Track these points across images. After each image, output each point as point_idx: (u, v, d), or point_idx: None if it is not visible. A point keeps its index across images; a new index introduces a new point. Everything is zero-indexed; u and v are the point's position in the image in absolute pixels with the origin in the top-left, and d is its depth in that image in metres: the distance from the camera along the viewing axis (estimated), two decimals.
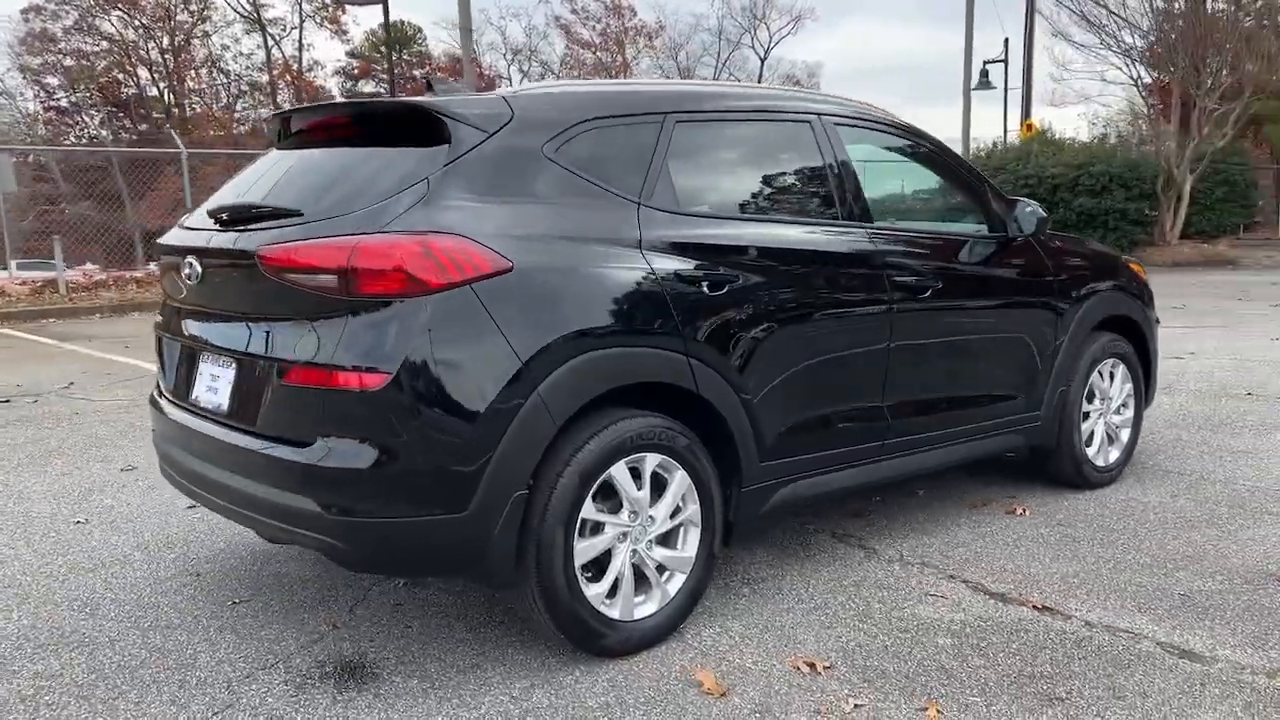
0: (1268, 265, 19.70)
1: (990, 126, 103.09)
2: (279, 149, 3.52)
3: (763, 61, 47.78)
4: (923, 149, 4.35)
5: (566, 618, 2.99)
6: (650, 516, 3.16)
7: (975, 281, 4.24)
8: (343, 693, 2.94)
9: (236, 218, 3.13)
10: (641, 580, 3.18)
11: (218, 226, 3.19)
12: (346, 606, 3.56)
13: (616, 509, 3.10)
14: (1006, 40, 37.67)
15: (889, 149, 4.27)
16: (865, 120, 4.09)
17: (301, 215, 2.96)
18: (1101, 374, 4.86)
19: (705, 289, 3.24)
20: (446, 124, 2.98)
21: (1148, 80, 24.11)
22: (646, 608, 3.17)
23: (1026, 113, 25.81)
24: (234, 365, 3.10)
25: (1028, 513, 4.53)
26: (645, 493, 3.14)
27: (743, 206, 3.66)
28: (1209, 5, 25.84)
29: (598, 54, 48.08)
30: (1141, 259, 18.82)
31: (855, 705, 2.81)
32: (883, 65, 56.95)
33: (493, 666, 3.09)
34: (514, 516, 2.85)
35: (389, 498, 2.76)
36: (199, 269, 3.16)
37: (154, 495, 4.94)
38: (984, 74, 30.87)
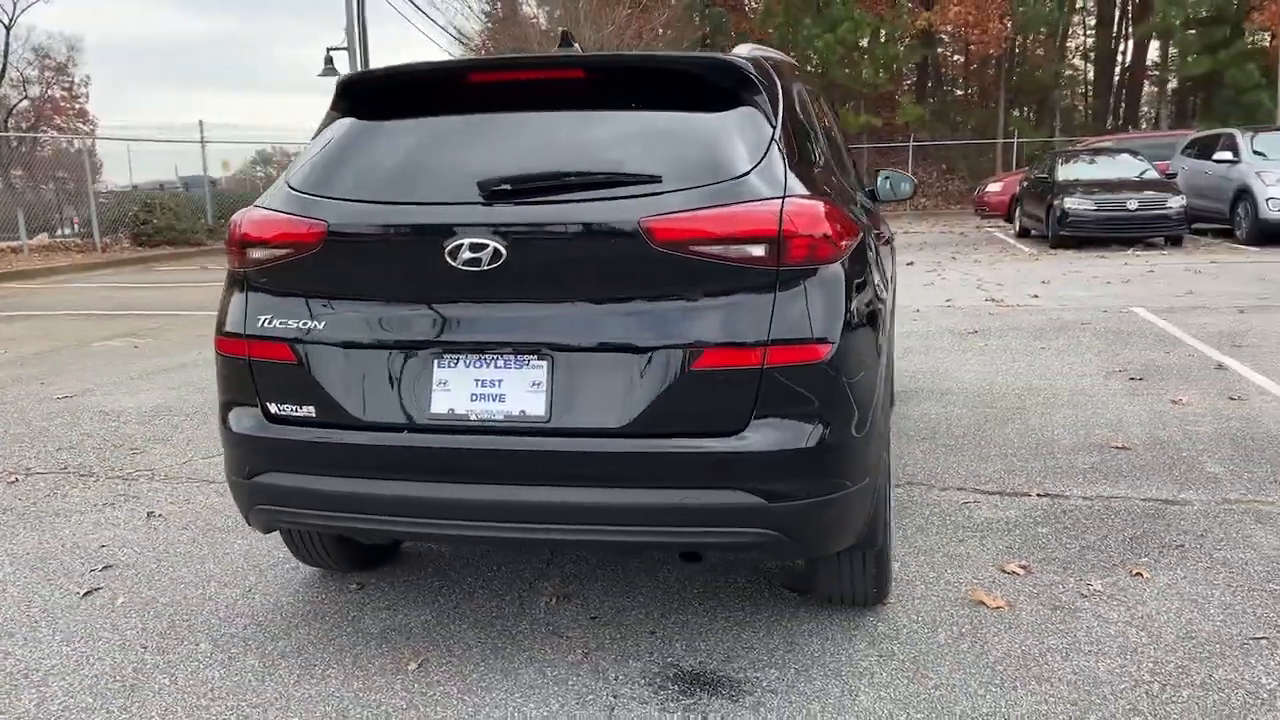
0: None
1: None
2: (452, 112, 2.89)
3: (8, 29, 40.90)
4: (826, 117, 4.87)
5: (885, 572, 3.06)
6: None
7: (887, 239, 4.92)
8: (734, 700, 2.69)
9: (534, 188, 2.60)
10: None
11: (483, 198, 2.60)
12: (543, 628, 3.11)
13: None
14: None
15: None
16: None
17: (660, 180, 2.58)
18: None
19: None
20: (756, 84, 2.81)
21: None
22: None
23: None
24: (544, 361, 2.58)
25: None
26: None
27: (840, 170, 3.88)
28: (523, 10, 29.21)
29: None
30: None
31: (1097, 584, 3.36)
32: (151, 46, 52.69)
33: (804, 640, 3.03)
34: (885, 478, 2.87)
35: (823, 475, 2.61)
36: (498, 248, 2.54)
37: (44, 587, 3.53)
38: (328, 60, 31.06)
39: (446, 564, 3.64)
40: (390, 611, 3.28)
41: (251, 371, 2.81)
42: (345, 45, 33.64)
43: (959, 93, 37.77)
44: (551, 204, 2.59)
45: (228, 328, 2.86)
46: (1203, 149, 17.82)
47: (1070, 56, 36.62)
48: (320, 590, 3.47)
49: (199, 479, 4.78)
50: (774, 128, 2.76)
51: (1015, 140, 31.20)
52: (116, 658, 3.01)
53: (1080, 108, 37.15)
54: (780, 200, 2.55)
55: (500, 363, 2.62)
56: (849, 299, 2.65)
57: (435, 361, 2.65)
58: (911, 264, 14.57)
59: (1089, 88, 37.50)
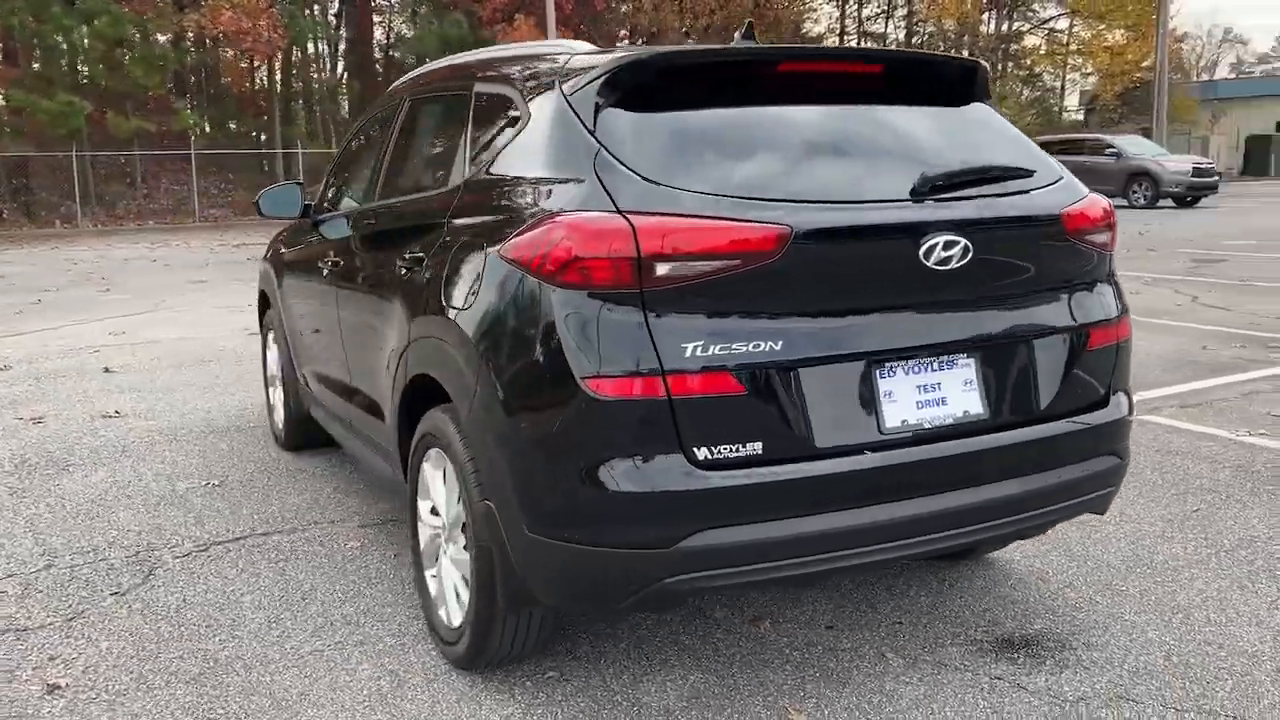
0: None
1: None
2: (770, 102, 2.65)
3: None
4: None
5: None
6: None
7: None
8: (1069, 649, 2.97)
9: (957, 183, 2.56)
10: None
11: (912, 198, 2.51)
12: (814, 650, 2.98)
13: None
14: None
15: None
16: None
17: (1032, 175, 2.72)
18: None
19: None
20: (987, 85, 3.04)
21: None
22: None
23: None
24: (971, 359, 2.58)
25: None
26: None
27: None
28: None
29: None
30: None
31: None
32: None
33: (1005, 592, 3.37)
34: None
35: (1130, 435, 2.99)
36: (968, 245, 2.45)
37: None
38: None
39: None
40: (633, 687, 2.80)
41: (673, 412, 2.26)
42: None
43: (239, 100, 36.47)
44: (994, 198, 2.59)
45: (618, 365, 2.26)
46: None
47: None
48: (522, 692, 2.78)
49: (63, 620, 3.21)
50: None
51: (300, 151, 31.37)
52: None
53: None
54: (1091, 191, 2.89)
55: (935, 365, 2.54)
56: None
57: (876, 371, 2.46)
58: None
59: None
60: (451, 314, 2.68)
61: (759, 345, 2.32)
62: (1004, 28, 51.62)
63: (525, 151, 2.70)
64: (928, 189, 2.52)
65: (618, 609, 2.48)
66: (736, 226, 2.29)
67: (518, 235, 2.47)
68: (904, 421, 2.48)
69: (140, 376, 7.15)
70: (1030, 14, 52.94)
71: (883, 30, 55.86)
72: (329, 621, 3.23)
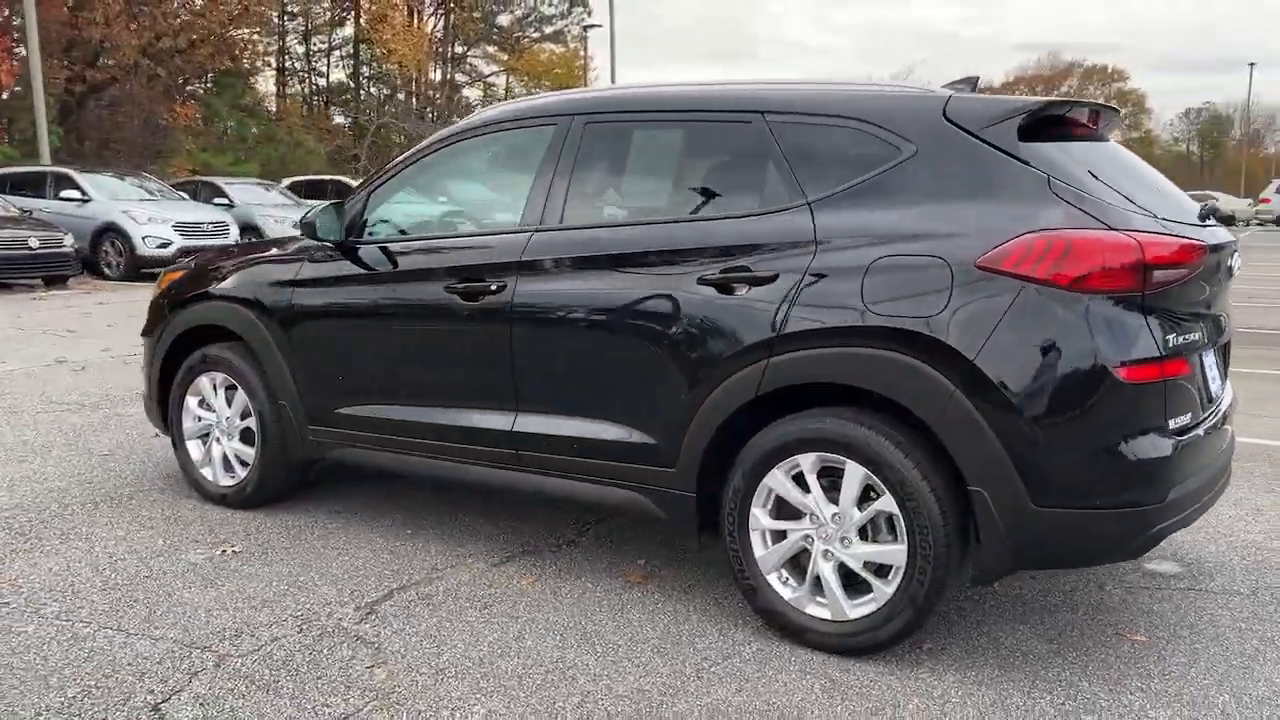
0: None
1: None
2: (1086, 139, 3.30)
3: None
4: None
5: None
6: None
7: None
8: (1195, 567, 3.96)
9: (1204, 213, 3.39)
10: None
11: (1199, 221, 3.31)
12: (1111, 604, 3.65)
13: None
14: None
15: None
16: None
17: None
18: None
19: None
20: None
21: None
22: None
23: None
24: (1211, 347, 3.42)
25: None
26: None
27: None
28: None
29: None
30: None
31: None
32: None
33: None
34: None
35: None
36: (1237, 260, 3.31)
37: None
38: None
39: None
40: (999, 641, 3.25)
41: (1165, 391, 2.84)
42: None
43: None
44: (1218, 226, 3.44)
45: (1138, 353, 2.79)
46: (20, 185, 17.42)
47: None
48: (935, 664, 3.08)
49: None
50: None
51: None
52: None
53: None
54: None
55: (1209, 355, 3.33)
56: None
57: (1201, 355, 3.22)
58: None
59: None
60: (895, 321, 2.91)
61: (1192, 335, 3.01)
62: (448, 77, 55.21)
63: (927, 177, 3.02)
64: (1203, 216, 3.35)
65: (1118, 558, 2.96)
66: (1193, 242, 2.95)
67: (997, 248, 2.83)
68: (1214, 393, 3.28)
69: None
70: (470, 68, 57.37)
71: (325, 67, 56.24)
72: (654, 653, 3.15)
